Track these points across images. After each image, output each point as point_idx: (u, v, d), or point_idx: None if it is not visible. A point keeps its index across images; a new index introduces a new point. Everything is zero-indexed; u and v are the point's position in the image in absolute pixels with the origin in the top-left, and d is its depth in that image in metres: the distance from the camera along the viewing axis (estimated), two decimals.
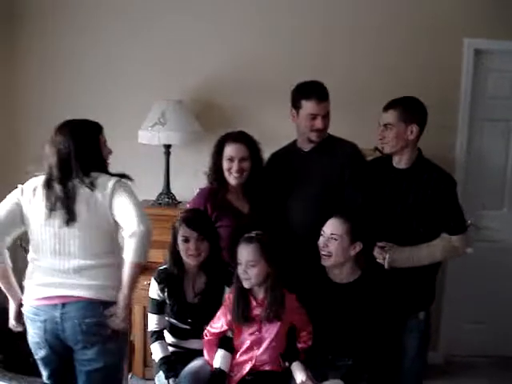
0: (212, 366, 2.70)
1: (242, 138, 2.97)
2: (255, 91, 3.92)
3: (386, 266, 2.82)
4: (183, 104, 3.77)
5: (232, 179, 2.95)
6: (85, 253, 2.48)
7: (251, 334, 2.71)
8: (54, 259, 2.50)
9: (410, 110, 2.90)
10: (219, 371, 2.67)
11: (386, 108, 2.93)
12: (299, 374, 2.63)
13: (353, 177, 2.97)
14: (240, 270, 2.66)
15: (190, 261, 2.75)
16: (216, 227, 2.87)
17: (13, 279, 2.60)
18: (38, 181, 2.54)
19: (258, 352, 2.71)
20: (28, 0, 3.97)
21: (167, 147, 3.77)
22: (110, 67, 3.99)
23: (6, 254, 2.55)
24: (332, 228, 2.75)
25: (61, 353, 2.56)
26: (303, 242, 2.85)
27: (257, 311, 2.69)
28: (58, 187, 2.47)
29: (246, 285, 2.67)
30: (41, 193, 2.50)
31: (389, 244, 2.85)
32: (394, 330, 2.84)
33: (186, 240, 2.73)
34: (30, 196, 2.52)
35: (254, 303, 2.70)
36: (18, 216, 2.53)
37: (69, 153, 2.48)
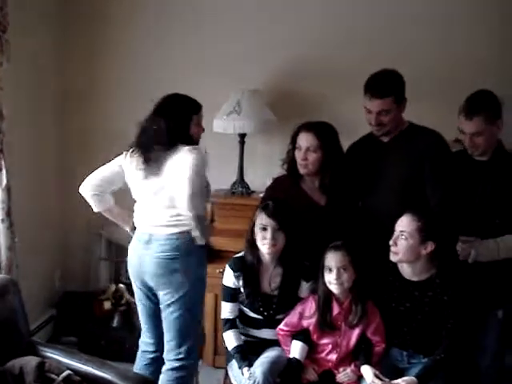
0: (287, 356, 2.72)
1: (313, 127, 2.92)
2: (332, 80, 3.86)
3: (470, 260, 2.74)
4: (258, 93, 3.75)
5: (299, 168, 2.92)
6: None
7: (331, 337, 2.73)
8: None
9: (493, 109, 2.82)
10: (296, 361, 2.68)
11: (469, 116, 2.79)
12: (368, 376, 2.60)
13: (434, 169, 2.88)
14: (330, 276, 2.67)
15: (265, 250, 2.73)
16: (294, 218, 2.80)
17: (120, 211, 3.03)
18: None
19: (335, 355, 2.72)
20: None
21: (242, 136, 3.77)
22: (187, 57, 4.01)
23: (111, 200, 2.96)
24: (402, 225, 2.68)
25: None
26: (381, 236, 2.77)
27: (340, 317, 2.71)
28: (148, 155, 2.76)
29: (337, 290, 2.68)
30: (135, 159, 2.80)
31: (470, 238, 2.76)
32: (470, 329, 2.76)
33: (264, 229, 2.71)
34: (129, 160, 2.84)
35: (337, 310, 2.71)
36: (118, 176, 2.88)
37: (157, 128, 2.75)
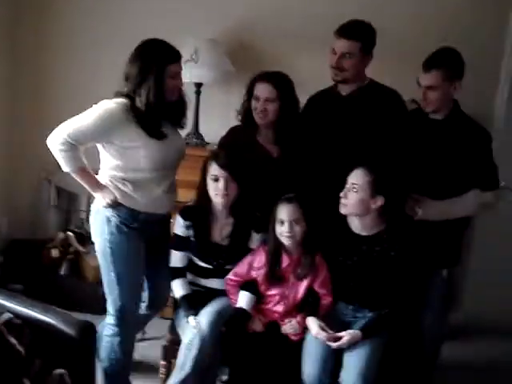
0: (234, 306, 2.72)
1: (270, 77, 2.85)
2: (291, 34, 3.82)
3: (416, 217, 2.78)
4: (217, 42, 3.68)
5: (257, 119, 2.87)
6: None
7: (279, 289, 2.73)
8: None
9: (454, 67, 2.80)
10: (242, 311, 2.68)
11: (428, 68, 2.79)
12: (313, 327, 2.61)
13: (390, 126, 2.87)
14: (282, 229, 2.66)
15: (217, 201, 2.70)
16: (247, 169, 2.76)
17: None
18: None
19: (282, 306, 2.73)
20: None
21: (198, 86, 3.69)
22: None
23: None
24: (354, 178, 2.68)
25: None
26: (332, 189, 2.75)
27: (289, 269, 2.71)
28: None
29: (288, 242, 2.67)
30: None
31: (421, 197, 2.79)
32: (416, 286, 2.78)
33: (216, 179, 2.68)
34: None
35: (286, 262, 2.71)
36: None
37: (128, 75, 2.59)
